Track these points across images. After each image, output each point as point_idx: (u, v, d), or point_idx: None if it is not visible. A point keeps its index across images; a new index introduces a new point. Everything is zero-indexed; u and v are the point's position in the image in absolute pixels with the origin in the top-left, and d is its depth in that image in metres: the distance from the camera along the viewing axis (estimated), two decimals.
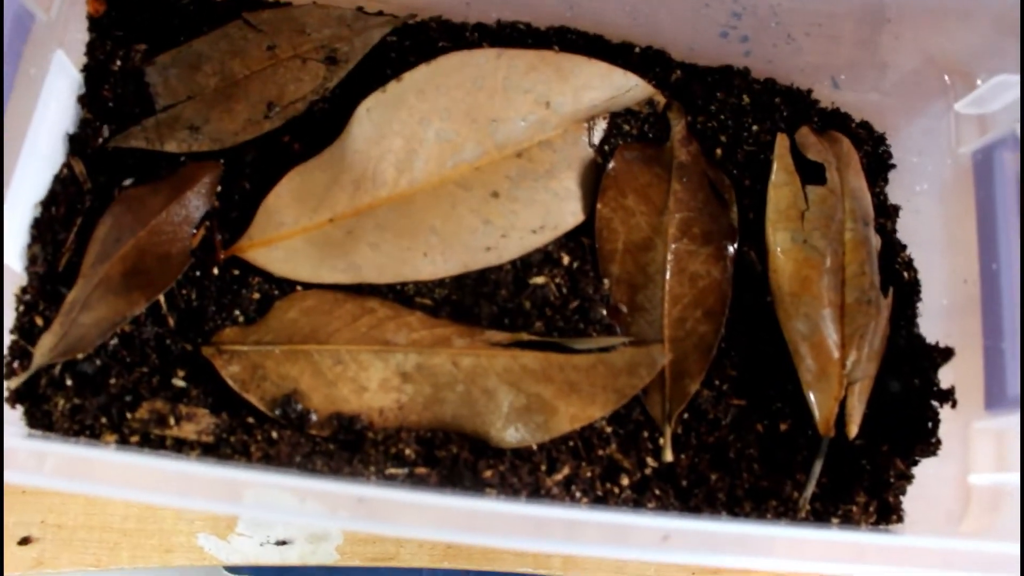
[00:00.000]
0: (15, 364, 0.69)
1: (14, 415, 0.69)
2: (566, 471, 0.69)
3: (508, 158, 0.75)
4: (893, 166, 0.84)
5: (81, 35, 0.76)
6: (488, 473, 0.67)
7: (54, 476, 0.56)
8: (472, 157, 0.74)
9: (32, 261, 0.71)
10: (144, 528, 0.80)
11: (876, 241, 0.78)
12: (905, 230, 0.82)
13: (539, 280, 0.73)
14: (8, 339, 0.70)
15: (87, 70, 0.76)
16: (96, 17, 0.77)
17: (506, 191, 0.74)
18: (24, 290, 0.71)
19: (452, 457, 0.67)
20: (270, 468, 0.66)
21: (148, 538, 0.80)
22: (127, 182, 0.74)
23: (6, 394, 0.69)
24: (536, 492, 0.68)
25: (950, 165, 0.80)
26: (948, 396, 0.73)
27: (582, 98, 0.76)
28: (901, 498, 0.73)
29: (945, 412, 0.73)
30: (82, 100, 0.76)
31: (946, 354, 0.74)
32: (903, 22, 0.79)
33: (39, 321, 0.70)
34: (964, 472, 0.73)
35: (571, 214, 0.75)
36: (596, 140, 0.77)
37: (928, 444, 0.72)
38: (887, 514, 0.72)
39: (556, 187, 0.75)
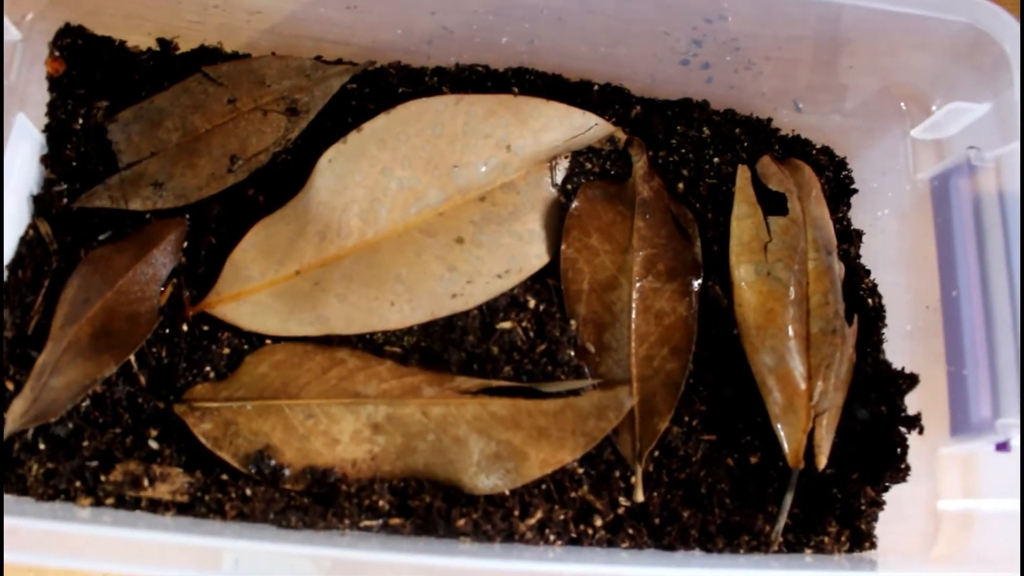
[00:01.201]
0: None
1: None
2: (539, 515, 0.69)
3: (471, 203, 0.75)
4: (855, 191, 0.85)
5: (42, 95, 0.77)
6: (461, 522, 0.67)
7: (27, 552, 0.57)
8: (435, 203, 0.75)
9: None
10: None
11: (840, 268, 0.79)
12: (869, 254, 0.83)
13: (506, 325, 0.73)
14: None
15: (49, 130, 0.77)
16: (56, 77, 0.77)
17: (470, 236, 0.74)
18: None
19: (426, 506, 0.68)
20: (245, 526, 0.67)
21: None
22: (93, 243, 0.74)
23: None
24: (510, 537, 0.68)
25: (909, 191, 0.81)
26: (915, 422, 0.74)
27: (542, 139, 0.77)
28: (874, 524, 0.74)
29: (913, 438, 0.74)
30: (45, 160, 0.76)
31: (912, 380, 0.75)
32: (860, 47, 0.81)
33: (10, 386, 0.70)
34: (933, 497, 0.74)
35: (536, 256, 0.76)
36: (559, 180, 0.78)
37: (897, 470, 0.73)
38: (860, 541, 0.73)
39: (520, 230, 0.76)
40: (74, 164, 0.76)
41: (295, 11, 0.80)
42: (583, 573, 0.63)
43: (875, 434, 0.75)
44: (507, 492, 0.69)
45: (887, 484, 0.74)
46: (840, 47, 0.81)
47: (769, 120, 0.85)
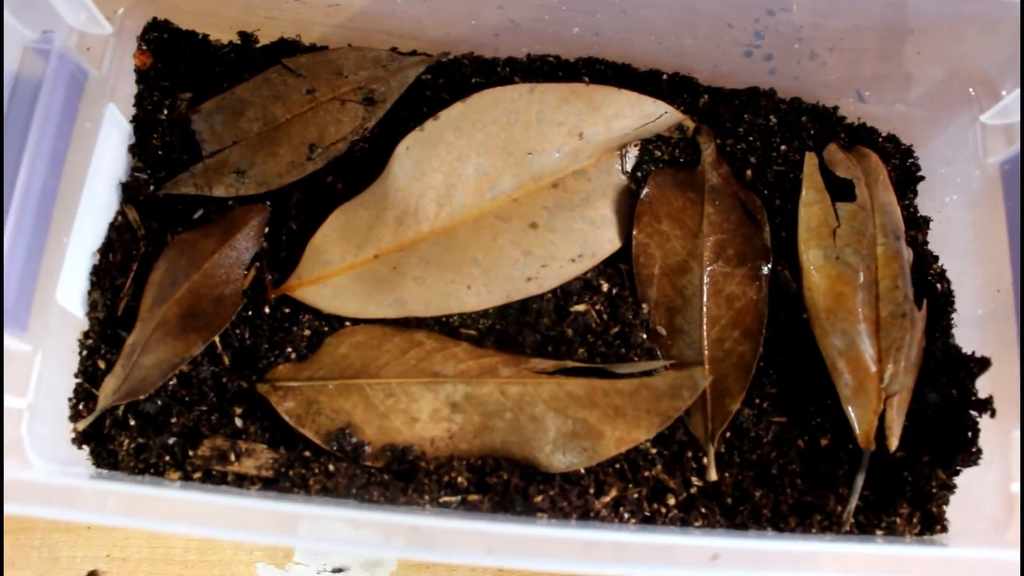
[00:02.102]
0: (80, 407, 0.72)
1: (81, 455, 0.72)
2: (614, 493, 0.70)
3: (544, 189, 0.77)
4: (922, 178, 0.85)
5: (130, 88, 0.80)
6: (539, 498, 0.69)
7: (117, 513, 0.59)
8: (510, 189, 0.76)
9: (93, 307, 0.74)
10: (205, 559, 0.83)
11: (908, 254, 0.80)
12: (936, 241, 0.83)
13: (580, 308, 0.75)
14: (73, 383, 0.73)
15: (136, 120, 0.80)
16: (143, 70, 0.80)
17: (544, 221, 0.76)
18: (86, 335, 0.74)
19: (503, 483, 0.69)
20: (328, 500, 0.69)
21: (209, 569, 0.83)
22: (179, 228, 0.77)
23: (72, 435, 0.72)
24: (586, 515, 0.70)
25: (978, 176, 0.81)
26: (987, 405, 0.74)
27: (614, 127, 0.78)
28: (944, 508, 0.74)
29: (985, 421, 0.74)
30: (132, 150, 0.79)
31: (983, 364, 0.75)
32: (926, 35, 0.81)
33: (102, 364, 0.73)
34: (1006, 480, 0.74)
35: (608, 241, 0.77)
36: (629, 167, 0.79)
37: (969, 454, 0.73)
38: (931, 525, 0.74)
39: (592, 215, 0.77)
40: (160, 153, 0.79)
41: (369, 5, 0.82)
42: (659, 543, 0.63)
43: (946, 417, 0.75)
44: (582, 470, 0.71)
45: (958, 467, 0.74)
46: (906, 36, 0.82)
47: (835, 108, 0.86)
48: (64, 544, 0.81)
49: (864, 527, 0.73)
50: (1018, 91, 0.77)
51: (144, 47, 0.80)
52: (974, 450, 0.74)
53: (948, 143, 0.85)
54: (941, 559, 0.61)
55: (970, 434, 0.74)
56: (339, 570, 0.83)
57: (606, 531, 0.61)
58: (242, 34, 0.83)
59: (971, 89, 0.82)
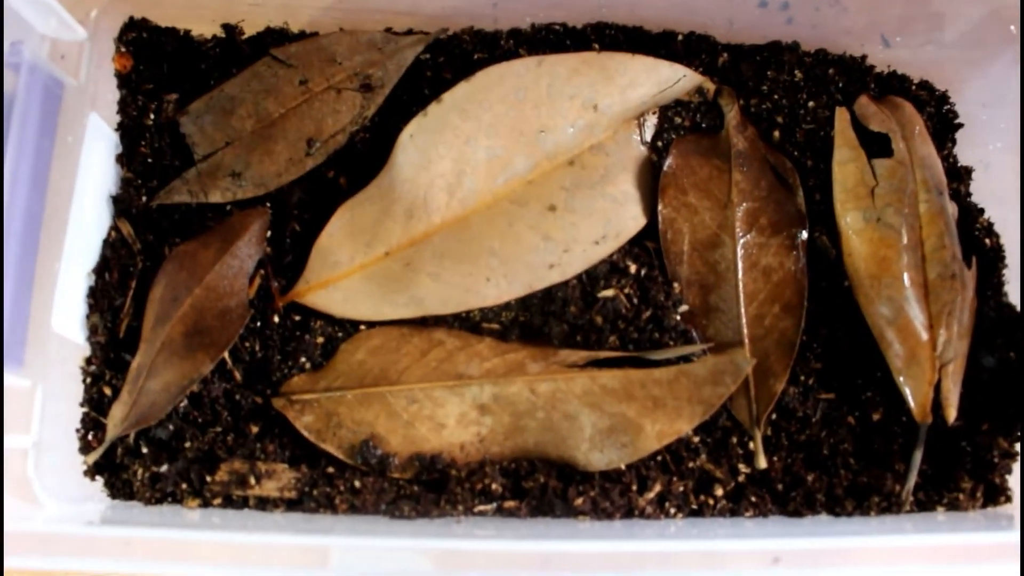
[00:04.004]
0: (89, 437, 0.68)
1: (95, 487, 0.69)
2: (658, 488, 0.66)
3: (560, 167, 0.72)
4: (960, 125, 0.80)
5: (112, 94, 0.75)
6: (579, 500, 0.65)
7: (133, 559, 0.56)
8: (523, 171, 0.72)
9: (93, 331, 0.70)
10: None
11: (952, 209, 0.75)
12: (980, 192, 0.78)
13: (608, 293, 0.70)
14: (79, 412, 0.69)
15: (122, 128, 0.75)
16: (124, 73, 0.75)
17: (563, 203, 0.71)
18: (88, 361, 0.70)
19: (540, 487, 0.65)
20: (357, 518, 0.65)
21: None
22: (176, 239, 0.72)
23: (84, 468, 0.68)
24: (629, 513, 0.66)
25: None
26: None
27: (630, 96, 0.73)
28: (1007, 478, 0.70)
29: None
30: (120, 160, 0.74)
31: None
32: None
33: (107, 391, 0.69)
34: None
35: (632, 219, 0.72)
36: (648, 137, 0.74)
37: None
38: (994, 496, 0.70)
39: (613, 192, 0.72)
40: (150, 160, 0.74)
41: None
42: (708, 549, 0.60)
43: (1004, 382, 0.71)
44: (623, 467, 0.66)
45: (1020, 434, 0.70)
46: None
47: (863, 58, 0.81)
48: None
49: (924, 504, 0.69)
50: None
51: (123, 49, 0.76)
52: None
53: (987, 86, 0.79)
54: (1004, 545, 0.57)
55: None
56: None
57: (654, 540, 0.57)
58: (226, 27, 0.78)
59: (1012, 27, 0.76)
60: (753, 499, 0.67)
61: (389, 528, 0.63)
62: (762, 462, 0.68)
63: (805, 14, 0.80)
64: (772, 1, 0.79)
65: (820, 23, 0.80)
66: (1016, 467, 0.70)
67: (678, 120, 0.76)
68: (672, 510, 0.66)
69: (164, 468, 0.67)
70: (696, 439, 0.69)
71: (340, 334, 0.71)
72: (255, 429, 0.69)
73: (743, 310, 0.70)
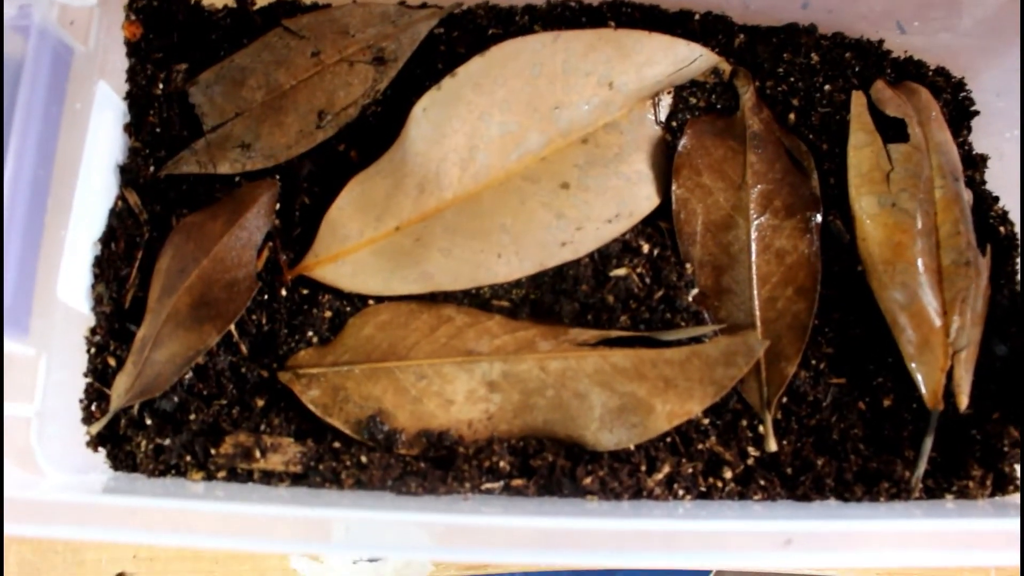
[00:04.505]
0: (93, 408, 0.68)
1: (97, 458, 0.68)
2: (667, 469, 0.66)
3: (574, 145, 0.71)
4: (976, 112, 0.79)
5: (121, 62, 0.74)
6: (588, 480, 0.64)
7: (134, 529, 0.55)
8: (537, 147, 0.71)
9: (98, 301, 0.69)
10: (236, 554, 0.79)
11: (968, 196, 0.74)
12: (995, 180, 0.77)
13: (620, 272, 0.70)
14: (83, 383, 0.68)
15: (130, 97, 0.74)
16: (134, 41, 0.74)
17: (576, 180, 0.70)
18: (93, 331, 0.69)
19: (548, 465, 0.65)
20: (362, 493, 0.64)
21: (241, 563, 0.79)
22: (184, 210, 0.71)
23: (87, 439, 0.67)
24: (638, 494, 0.65)
25: None
26: None
27: (645, 74, 0.72)
28: (1016, 466, 0.69)
29: None
30: (128, 129, 0.73)
31: None
32: None
33: (112, 362, 0.68)
34: None
35: (646, 198, 0.71)
36: (663, 117, 0.73)
37: None
38: (1003, 484, 0.69)
39: (627, 171, 0.71)
40: (158, 131, 0.73)
41: None
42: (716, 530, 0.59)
43: (1016, 370, 0.70)
44: (632, 447, 0.66)
45: None
46: None
47: (881, 42, 0.80)
48: (88, 548, 0.78)
49: (933, 491, 0.68)
50: None
51: (133, 17, 0.74)
52: None
53: (1003, 75, 0.79)
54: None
55: None
56: (376, 559, 0.79)
57: (662, 520, 0.57)
58: None
59: None
60: (762, 482, 0.67)
61: (394, 504, 0.63)
62: (772, 445, 0.67)
63: None
64: None
65: (836, 7, 0.80)
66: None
67: (693, 100, 0.75)
68: (681, 492, 0.66)
69: (168, 440, 0.66)
70: (706, 421, 0.68)
71: (348, 308, 0.70)
72: (261, 403, 0.68)
73: (755, 292, 0.69)
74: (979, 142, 0.79)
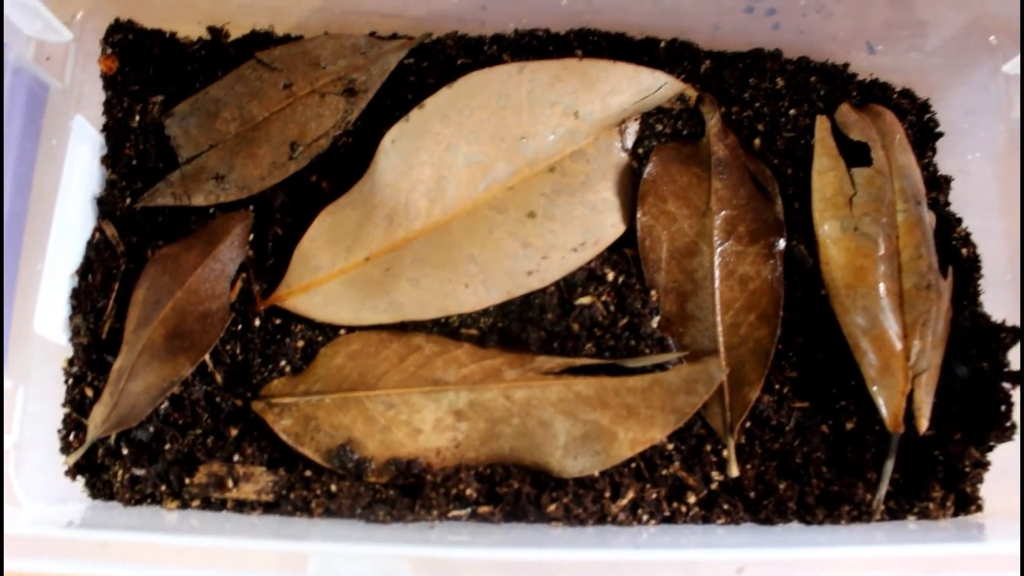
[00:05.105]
0: (71, 437, 0.69)
1: (75, 487, 0.69)
2: (631, 495, 0.67)
3: (541, 174, 0.73)
4: (941, 134, 0.80)
5: (97, 95, 0.75)
6: (552, 507, 0.66)
7: (111, 562, 0.57)
8: (504, 177, 0.72)
9: (75, 332, 0.70)
10: None
11: (930, 218, 0.75)
12: (959, 201, 0.78)
13: (585, 300, 0.71)
14: (61, 413, 0.70)
15: (107, 129, 0.75)
16: (110, 75, 0.76)
17: (542, 209, 0.72)
18: (71, 362, 0.71)
19: (514, 492, 0.66)
20: (332, 522, 0.66)
21: None
22: (160, 241, 0.73)
23: (65, 469, 0.69)
24: (602, 520, 0.67)
25: (1003, 130, 0.76)
26: (1020, 377, 0.70)
27: (611, 103, 0.74)
28: (979, 487, 0.71)
29: (1018, 394, 0.70)
30: (105, 161, 0.75)
31: (1015, 333, 0.71)
32: None
33: (89, 392, 0.70)
34: None
35: (611, 226, 0.73)
36: (629, 144, 0.75)
37: (1003, 429, 0.70)
38: (966, 505, 0.70)
39: (593, 199, 0.73)
40: (134, 163, 0.75)
41: None
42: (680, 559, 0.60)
43: (977, 392, 0.71)
44: (596, 474, 0.67)
45: (992, 444, 0.71)
46: None
47: (845, 65, 0.81)
48: None
49: (895, 513, 0.70)
50: None
51: (108, 51, 0.76)
52: (1008, 425, 0.70)
53: (968, 95, 0.80)
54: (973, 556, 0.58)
55: (1003, 408, 0.70)
56: None
57: (625, 549, 0.58)
58: (212, 29, 0.78)
59: (992, 37, 0.76)
60: (725, 507, 0.68)
61: (365, 533, 0.64)
62: (734, 470, 0.69)
63: (791, 20, 0.80)
64: (758, 7, 0.79)
65: (806, 29, 0.81)
66: (987, 476, 0.71)
67: (660, 127, 0.76)
68: (645, 517, 0.67)
69: (144, 470, 0.68)
70: (670, 446, 0.69)
71: (320, 338, 0.72)
72: (234, 432, 0.69)
73: (719, 318, 0.71)
74: (944, 162, 0.80)
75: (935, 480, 0.70)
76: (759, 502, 0.68)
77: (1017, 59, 0.75)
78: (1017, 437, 0.70)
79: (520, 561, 0.58)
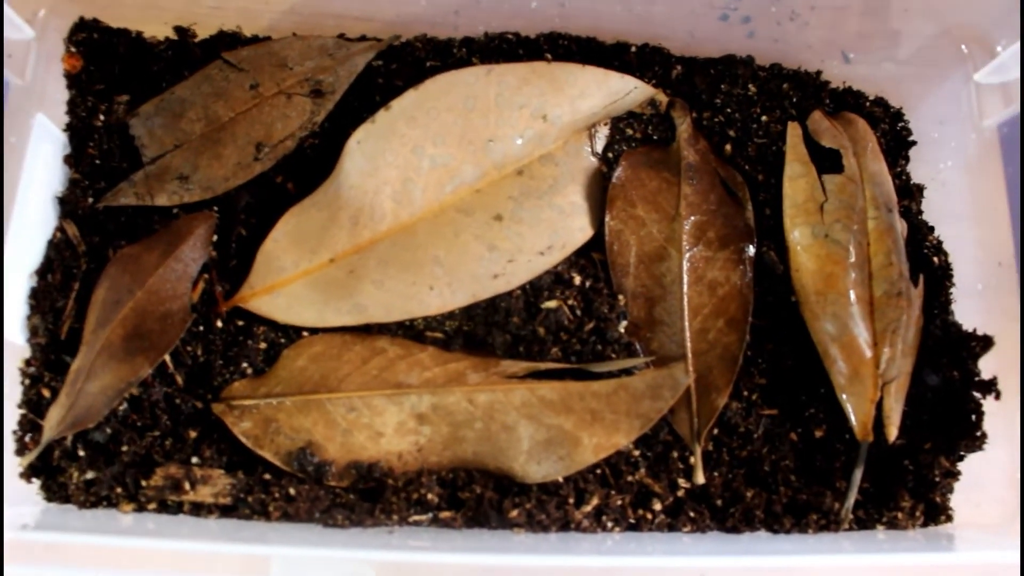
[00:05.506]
0: (27, 439, 0.68)
1: (31, 489, 0.68)
2: (595, 502, 0.66)
3: (508, 177, 0.72)
4: (913, 143, 0.80)
5: (61, 94, 0.74)
6: (514, 512, 0.64)
7: (70, 566, 0.55)
8: (471, 180, 0.71)
9: (33, 332, 0.69)
10: None
11: (902, 226, 0.74)
12: (931, 210, 0.78)
13: (551, 304, 0.70)
14: (16, 414, 0.68)
15: (70, 129, 0.74)
16: (74, 74, 0.75)
17: (509, 212, 0.71)
18: (28, 362, 0.69)
19: (476, 498, 0.65)
20: (290, 526, 0.64)
21: None
22: (121, 242, 0.72)
23: (20, 470, 0.67)
24: (566, 526, 0.65)
25: (974, 140, 0.76)
26: (990, 387, 0.69)
27: (580, 107, 0.73)
28: (949, 497, 0.70)
29: (989, 403, 0.70)
30: (68, 160, 0.74)
31: (986, 342, 0.70)
32: None
33: (46, 393, 0.68)
34: (1013, 464, 0.70)
35: (579, 230, 0.72)
36: (599, 148, 0.74)
37: (973, 438, 0.69)
38: (935, 515, 0.69)
39: (561, 203, 0.72)
40: (98, 162, 0.74)
41: None
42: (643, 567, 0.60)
43: (947, 401, 0.71)
44: (560, 479, 0.66)
45: (962, 453, 0.70)
46: None
47: (818, 73, 0.81)
48: None
49: (864, 522, 0.69)
50: (1016, 46, 0.72)
51: (72, 49, 0.75)
52: (978, 434, 0.69)
53: (940, 104, 0.80)
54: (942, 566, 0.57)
55: (974, 417, 0.70)
56: None
57: (587, 556, 0.57)
58: (178, 29, 0.78)
59: (963, 46, 0.77)
60: (692, 514, 0.67)
61: (322, 537, 0.63)
62: (700, 478, 0.68)
63: (767, 27, 0.80)
64: (733, 14, 0.79)
65: (781, 37, 0.80)
66: (957, 486, 0.70)
67: (630, 132, 0.75)
68: (609, 524, 0.66)
69: (100, 472, 0.66)
70: (636, 453, 0.68)
71: (283, 340, 0.71)
72: (194, 434, 0.68)
73: (687, 324, 0.70)
74: (917, 171, 0.79)
75: (904, 489, 0.69)
76: (726, 510, 0.67)
77: (988, 67, 0.74)
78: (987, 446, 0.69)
79: (482, 566, 0.57)
